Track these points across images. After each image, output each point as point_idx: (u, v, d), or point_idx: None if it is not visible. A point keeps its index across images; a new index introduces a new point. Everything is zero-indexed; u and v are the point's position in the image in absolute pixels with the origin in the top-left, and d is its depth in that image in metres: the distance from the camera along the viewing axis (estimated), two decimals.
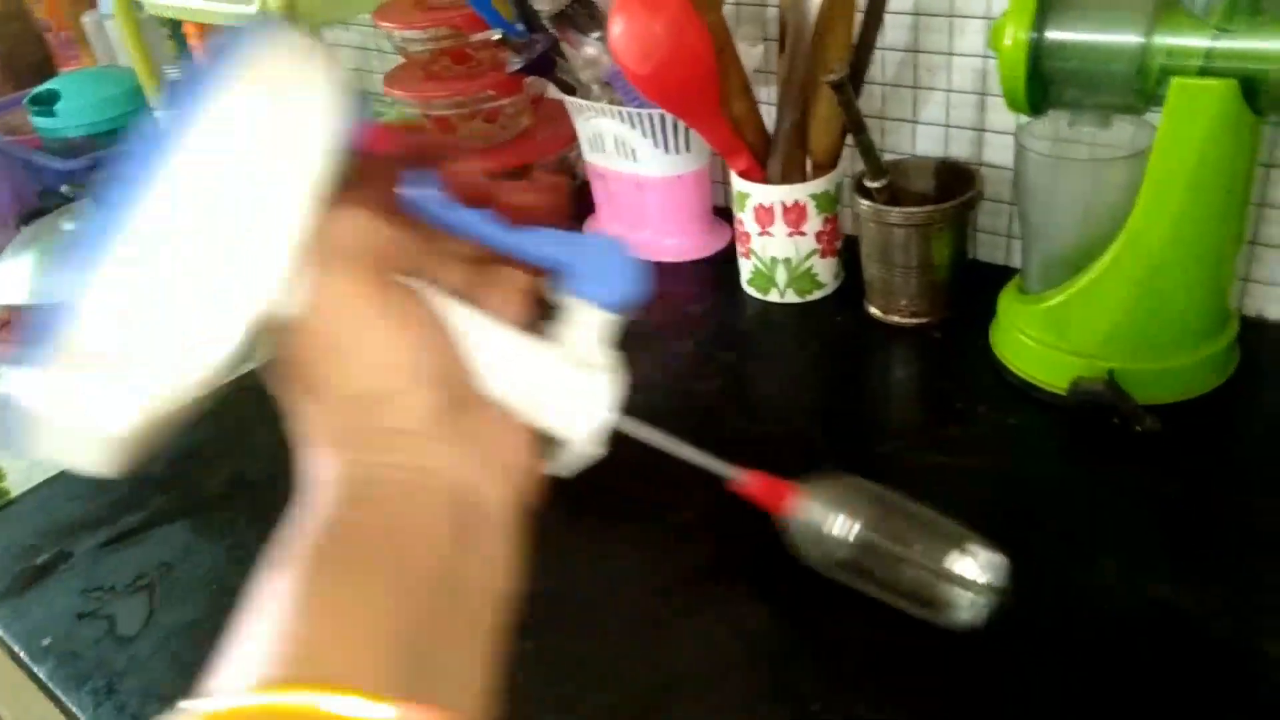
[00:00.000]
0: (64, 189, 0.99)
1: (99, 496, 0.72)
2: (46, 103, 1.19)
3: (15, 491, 0.74)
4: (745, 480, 0.41)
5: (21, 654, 0.60)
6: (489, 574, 0.32)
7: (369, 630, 0.27)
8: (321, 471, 0.31)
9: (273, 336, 0.32)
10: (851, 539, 0.42)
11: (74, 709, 0.56)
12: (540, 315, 0.37)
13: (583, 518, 0.63)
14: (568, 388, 0.35)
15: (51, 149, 1.19)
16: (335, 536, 0.29)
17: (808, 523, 0.42)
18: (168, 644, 0.59)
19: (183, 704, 0.25)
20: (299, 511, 0.31)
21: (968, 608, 0.44)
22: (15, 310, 0.93)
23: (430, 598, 0.29)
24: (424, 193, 0.34)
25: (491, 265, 0.37)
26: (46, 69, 1.51)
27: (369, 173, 0.33)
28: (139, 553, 0.66)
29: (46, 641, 0.60)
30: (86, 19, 1.39)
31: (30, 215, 1.08)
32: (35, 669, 0.59)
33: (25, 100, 1.22)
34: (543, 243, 0.35)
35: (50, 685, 0.58)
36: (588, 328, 0.36)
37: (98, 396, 0.27)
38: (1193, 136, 0.56)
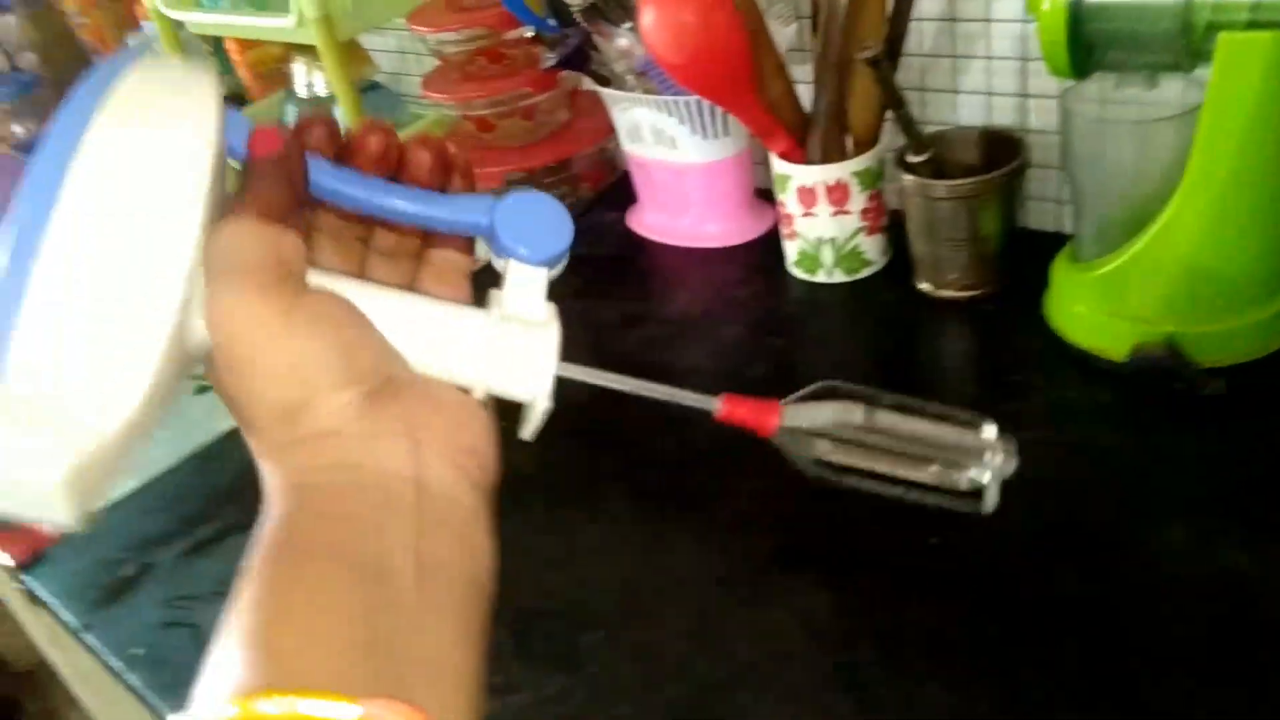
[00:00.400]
0: None
1: (174, 510, 0.74)
2: None
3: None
4: (723, 407, 0.39)
5: (115, 664, 0.63)
6: (455, 556, 0.31)
7: (328, 630, 0.27)
8: (269, 483, 0.32)
9: (198, 362, 0.32)
10: (849, 435, 0.40)
11: (168, 716, 0.59)
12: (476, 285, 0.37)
13: (640, 510, 0.64)
14: (510, 350, 0.35)
15: None
16: (285, 543, 0.30)
17: (797, 427, 0.40)
18: None
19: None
20: (260, 522, 0.31)
21: (987, 481, 0.42)
22: None
23: (387, 588, 0.29)
24: (331, 181, 0.34)
25: (421, 252, 0.38)
26: None
27: (255, 177, 0.32)
28: (217, 561, 0.69)
29: (138, 651, 0.63)
30: (132, 41, 1.42)
31: None
32: (129, 678, 0.62)
33: None
34: (462, 210, 0.35)
35: (144, 693, 0.60)
36: (522, 286, 0.36)
37: (29, 448, 0.28)
38: (1244, 91, 0.55)
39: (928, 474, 0.42)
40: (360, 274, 0.37)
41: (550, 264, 0.36)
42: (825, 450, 0.40)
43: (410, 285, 0.38)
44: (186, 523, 0.73)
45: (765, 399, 0.39)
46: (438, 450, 0.32)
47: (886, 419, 0.41)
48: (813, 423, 0.40)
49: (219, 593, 0.65)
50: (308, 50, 1.06)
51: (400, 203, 0.35)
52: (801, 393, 0.40)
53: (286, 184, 0.33)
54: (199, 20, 1.05)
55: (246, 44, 1.22)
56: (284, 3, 0.93)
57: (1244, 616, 0.49)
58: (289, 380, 0.31)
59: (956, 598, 0.54)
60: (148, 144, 0.30)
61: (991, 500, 0.42)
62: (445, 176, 0.37)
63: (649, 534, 0.63)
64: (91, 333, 0.28)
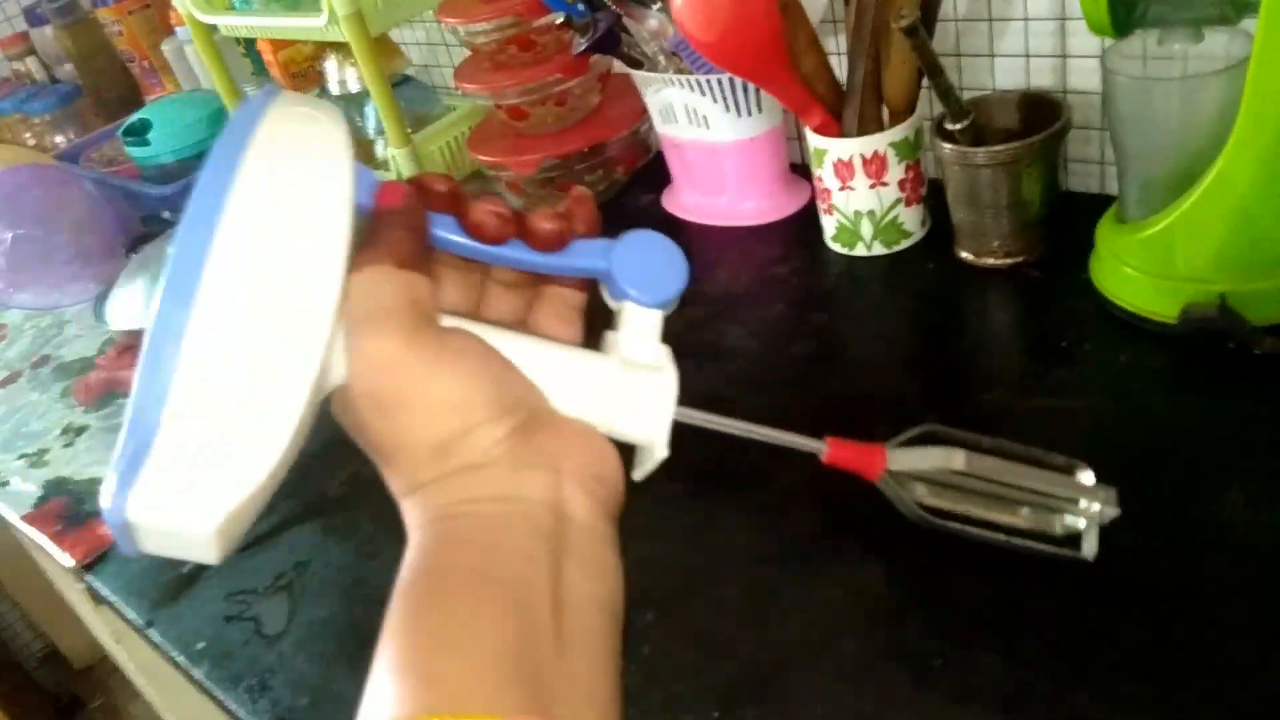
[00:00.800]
0: (165, 215, 1.03)
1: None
2: (139, 133, 1.24)
3: None
4: (830, 452, 0.41)
5: (180, 658, 0.64)
6: (592, 583, 0.32)
7: (481, 654, 0.28)
8: (412, 518, 0.33)
9: (338, 406, 0.33)
10: (948, 479, 0.41)
11: (232, 707, 0.60)
12: (593, 324, 0.38)
13: (688, 491, 0.64)
14: (630, 395, 0.36)
15: (149, 176, 1.25)
16: (433, 570, 0.31)
17: (901, 472, 0.41)
18: (311, 640, 0.62)
19: None
20: (405, 560, 0.32)
21: (1085, 527, 0.43)
22: (134, 334, 0.98)
23: (538, 616, 0.30)
24: (450, 236, 0.35)
25: (537, 285, 0.38)
26: (133, 99, 1.58)
27: (385, 227, 0.33)
28: (274, 556, 0.70)
29: (200, 645, 0.65)
30: (166, 47, 1.44)
31: (137, 242, 1.13)
32: (193, 672, 0.63)
33: (119, 132, 1.27)
34: (580, 256, 0.36)
35: (208, 686, 0.62)
36: (637, 327, 0.36)
37: (185, 502, 0.28)
38: None
39: (1024, 519, 0.43)
40: (480, 306, 0.38)
41: (665, 306, 0.37)
42: (923, 494, 0.41)
43: (526, 318, 0.38)
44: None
45: (869, 443, 0.40)
46: (576, 480, 0.33)
47: (986, 464, 0.42)
48: (916, 467, 0.41)
49: (277, 586, 0.67)
50: (340, 47, 1.07)
51: (518, 255, 0.35)
52: (904, 436, 0.41)
53: (414, 232, 0.34)
54: (232, 23, 1.06)
55: (279, 44, 1.24)
56: (315, 2, 0.93)
57: None
58: (446, 417, 0.32)
59: (1008, 568, 0.53)
60: (294, 190, 0.30)
61: (1090, 547, 0.43)
62: (566, 240, 0.37)
63: (698, 514, 0.63)
64: (245, 380, 0.29)
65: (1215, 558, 0.51)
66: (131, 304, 0.99)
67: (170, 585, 0.70)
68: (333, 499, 0.73)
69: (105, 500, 0.29)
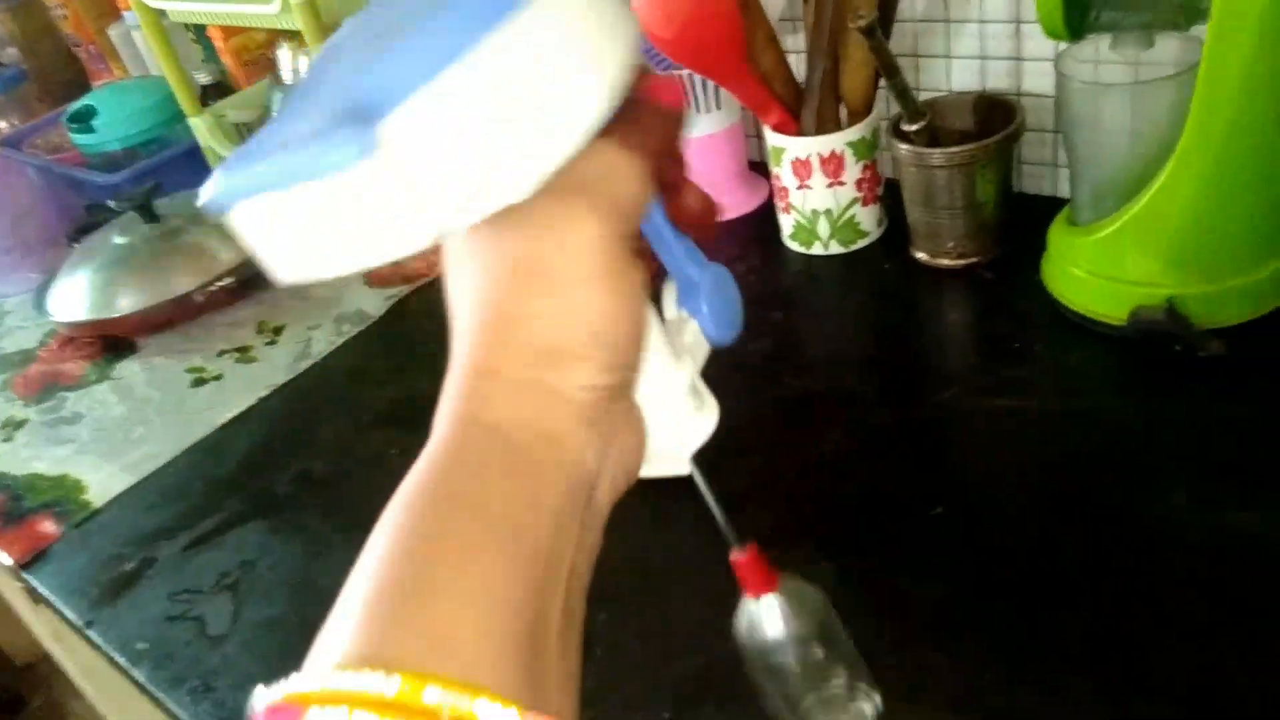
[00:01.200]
0: (110, 203, 1.01)
1: (176, 503, 0.74)
2: (85, 119, 1.21)
3: (97, 503, 0.76)
4: (742, 556, 0.42)
5: (120, 659, 0.63)
6: (584, 567, 0.30)
7: (491, 616, 0.24)
8: (454, 405, 0.28)
9: (471, 237, 0.29)
10: (778, 652, 0.44)
11: (174, 709, 0.58)
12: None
13: (644, 488, 0.64)
14: (681, 409, 0.35)
15: (94, 164, 1.22)
16: (460, 495, 0.26)
17: (759, 617, 0.43)
18: (256, 641, 0.61)
19: (293, 680, 0.23)
20: (426, 452, 0.28)
21: None
22: (76, 326, 0.96)
23: (542, 583, 0.26)
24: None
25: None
26: (80, 84, 1.54)
27: (649, 124, 0.30)
28: (219, 554, 0.68)
29: (142, 646, 0.63)
30: (113, 31, 1.41)
31: (80, 231, 1.10)
32: (134, 673, 0.62)
33: (63, 118, 1.24)
34: (684, 250, 0.34)
35: (150, 687, 0.60)
36: (698, 353, 0.36)
37: (397, 211, 0.26)
38: (1241, 46, 0.54)
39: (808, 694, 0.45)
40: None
41: (721, 343, 0.36)
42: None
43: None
44: (187, 516, 0.73)
45: (770, 571, 0.42)
46: (618, 466, 0.31)
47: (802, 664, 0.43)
48: (775, 628, 0.42)
49: (222, 585, 0.66)
50: (293, 36, 1.05)
51: (664, 229, 0.34)
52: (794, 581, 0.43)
53: (668, 143, 0.31)
54: (180, 8, 1.04)
55: (230, 30, 1.21)
56: None
57: (1250, 576, 0.49)
58: (574, 327, 0.28)
59: (960, 568, 0.54)
60: (586, 15, 0.28)
61: None
62: (710, 223, 0.35)
63: (654, 512, 0.62)
64: (475, 143, 0.26)
65: (1160, 556, 0.51)
66: (74, 295, 0.96)
67: (111, 584, 0.68)
68: (281, 497, 0.72)
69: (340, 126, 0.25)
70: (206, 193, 0.28)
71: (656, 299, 0.36)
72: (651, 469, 0.36)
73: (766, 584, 0.42)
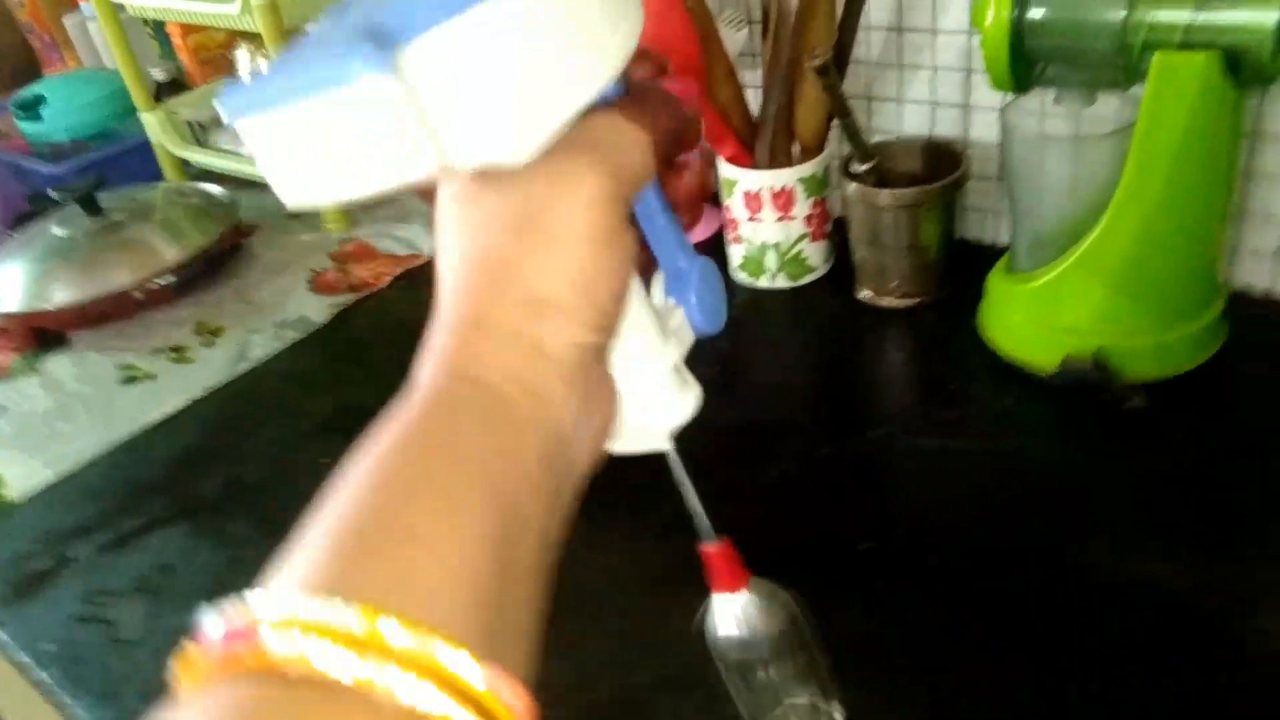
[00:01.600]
0: (52, 194, 0.98)
1: (97, 501, 0.72)
2: (33, 107, 1.18)
3: (15, 498, 0.74)
4: (714, 548, 0.41)
5: (25, 660, 0.61)
6: (555, 530, 0.29)
7: (461, 563, 0.24)
8: (440, 358, 0.29)
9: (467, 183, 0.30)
10: (746, 652, 0.43)
11: (79, 713, 0.57)
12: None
13: (577, 508, 0.63)
14: (666, 388, 0.35)
15: (39, 153, 1.19)
16: (444, 445, 0.26)
17: (729, 614, 0.43)
18: (169, 648, 0.59)
19: (250, 599, 0.22)
20: (407, 392, 0.28)
21: None
22: (12, 318, 0.93)
23: (512, 537, 0.26)
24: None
25: None
26: (30, 71, 1.51)
27: (658, 105, 0.31)
28: (139, 557, 0.67)
29: (49, 647, 0.61)
30: (69, 21, 1.39)
31: (20, 220, 1.08)
32: (39, 674, 0.59)
33: (10, 105, 1.21)
34: (676, 238, 0.35)
35: (54, 690, 0.58)
36: (683, 339, 0.36)
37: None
38: (1176, 110, 0.56)
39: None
40: None
41: (705, 333, 0.37)
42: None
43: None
44: (108, 516, 0.71)
45: (741, 570, 0.41)
46: (592, 433, 0.31)
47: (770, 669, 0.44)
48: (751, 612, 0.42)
49: (139, 589, 0.64)
50: (252, 37, 1.04)
51: (658, 209, 0.34)
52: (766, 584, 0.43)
53: (676, 134, 0.32)
54: (139, 3, 1.03)
55: (189, 28, 1.20)
56: None
57: (1162, 629, 0.50)
58: (561, 281, 0.28)
59: (886, 603, 0.54)
60: None
61: None
62: (700, 202, 0.35)
63: (585, 532, 0.62)
64: (492, 81, 0.27)
65: (1078, 603, 0.52)
66: (7, 285, 0.94)
67: (23, 582, 0.66)
68: (207, 501, 0.70)
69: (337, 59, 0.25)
70: (220, 103, 0.28)
71: (647, 286, 0.37)
72: (633, 444, 0.36)
73: (738, 580, 0.41)
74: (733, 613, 0.43)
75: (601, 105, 0.30)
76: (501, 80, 0.27)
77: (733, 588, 0.42)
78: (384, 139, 0.26)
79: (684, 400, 0.36)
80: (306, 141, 0.27)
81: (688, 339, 0.36)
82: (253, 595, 0.22)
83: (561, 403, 0.29)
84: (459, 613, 0.23)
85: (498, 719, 0.23)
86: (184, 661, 0.23)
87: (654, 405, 0.36)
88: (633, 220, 0.33)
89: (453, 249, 0.30)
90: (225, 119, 0.28)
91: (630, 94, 0.31)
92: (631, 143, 0.30)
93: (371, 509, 0.24)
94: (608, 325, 0.30)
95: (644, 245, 0.35)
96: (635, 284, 0.33)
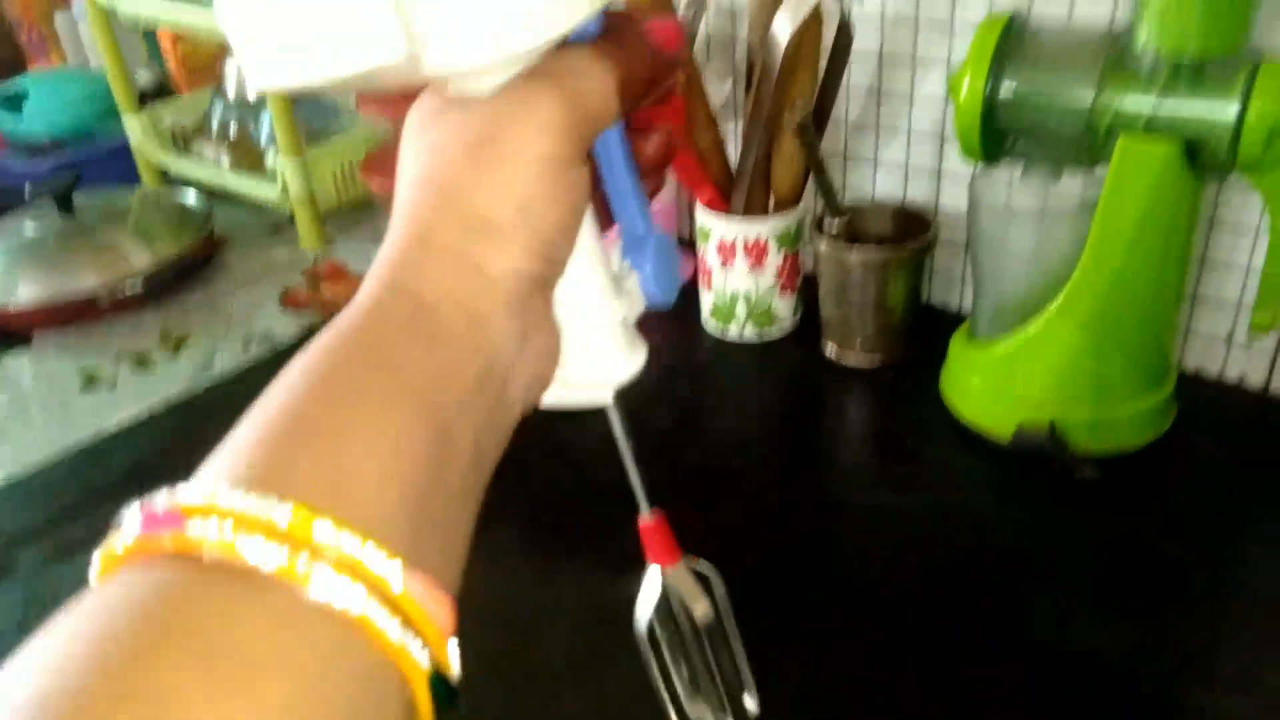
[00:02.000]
0: (27, 189, 0.98)
1: (46, 507, 0.71)
2: (14, 102, 1.18)
3: None
4: (652, 520, 0.41)
5: None
6: (483, 457, 0.29)
7: (390, 469, 0.24)
8: (382, 270, 0.29)
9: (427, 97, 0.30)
10: (671, 625, 0.44)
11: (177, 486, 0.55)
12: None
13: (530, 543, 0.64)
14: (614, 341, 0.36)
15: (17, 149, 1.18)
16: (366, 348, 0.27)
17: (657, 588, 0.44)
18: None
19: (178, 491, 0.22)
20: (347, 310, 0.28)
21: None
22: None
23: (444, 455, 0.26)
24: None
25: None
26: (15, 65, 1.50)
27: (633, 47, 0.31)
28: (85, 566, 0.66)
29: None
30: (60, 18, 1.38)
31: None
32: None
33: None
34: (636, 201, 0.35)
35: None
36: (635, 302, 0.36)
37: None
38: (1137, 193, 0.58)
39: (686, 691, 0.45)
40: None
41: (657, 304, 0.37)
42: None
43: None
44: (56, 523, 0.70)
45: (676, 547, 0.41)
46: (531, 368, 0.31)
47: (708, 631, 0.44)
48: (679, 588, 0.43)
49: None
50: None
51: (623, 166, 0.34)
52: (695, 563, 0.43)
53: (650, 79, 0.32)
54: (133, 10, 1.03)
55: (179, 36, 1.20)
56: None
57: (1096, 695, 0.51)
58: (507, 203, 0.29)
59: (829, 651, 0.55)
60: None
61: None
62: (665, 164, 0.36)
63: (534, 566, 0.62)
64: None
65: (1019, 668, 0.53)
66: None
67: None
68: None
69: None
70: None
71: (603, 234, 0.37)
72: (575, 396, 0.36)
73: (670, 554, 0.42)
74: (662, 585, 0.42)
75: (575, 41, 0.31)
76: None
77: (666, 561, 0.42)
78: (358, 17, 0.27)
79: (630, 358, 0.36)
80: (281, 13, 0.28)
81: (639, 304, 0.37)
82: (184, 486, 0.22)
83: (500, 330, 0.29)
84: (390, 519, 0.23)
85: (415, 625, 0.22)
86: (104, 552, 0.22)
87: (600, 357, 0.36)
88: (595, 170, 0.33)
89: (410, 169, 0.30)
90: None
91: (605, 32, 0.31)
92: (595, 77, 0.30)
93: (302, 410, 0.24)
94: (551, 256, 0.30)
95: (601, 196, 0.35)
96: (588, 226, 0.33)
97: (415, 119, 0.31)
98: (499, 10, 0.28)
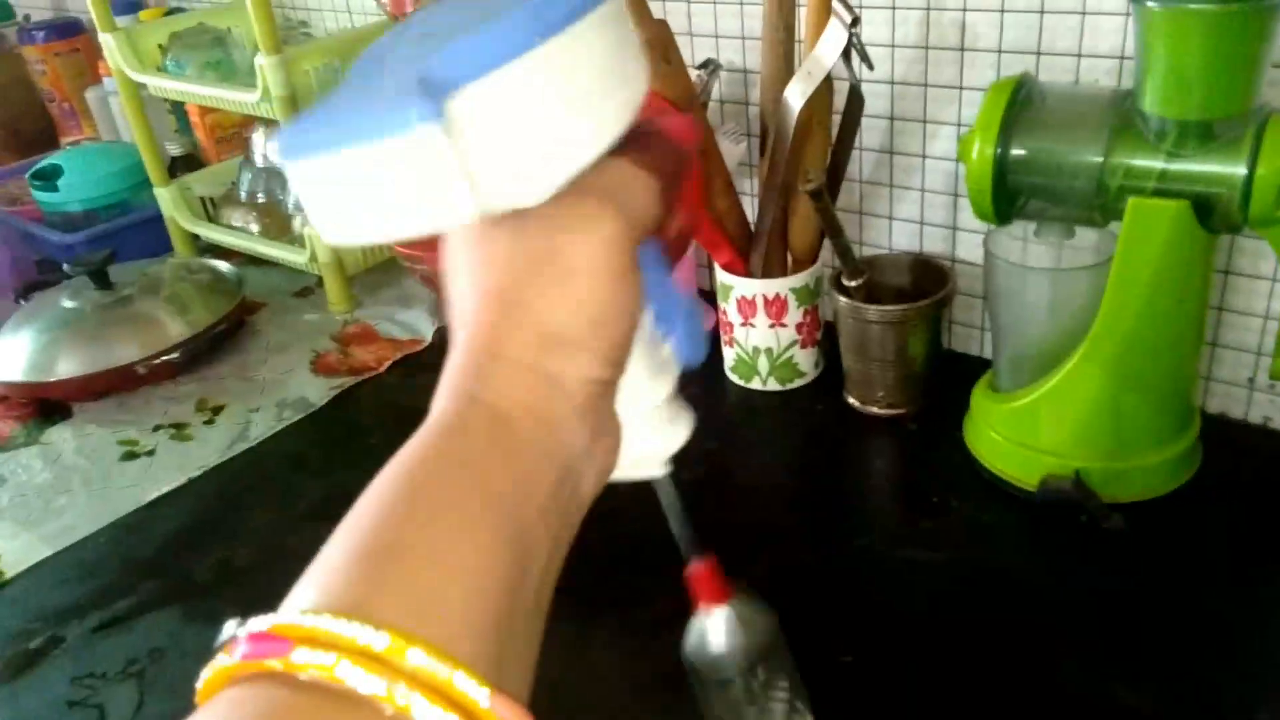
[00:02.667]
0: (65, 266, 1.01)
1: (90, 580, 0.73)
2: (49, 177, 1.21)
3: (9, 573, 0.75)
4: (699, 568, 0.43)
5: None
6: (558, 558, 0.30)
7: (475, 589, 0.25)
8: (453, 385, 0.30)
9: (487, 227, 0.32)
10: (724, 663, 0.45)
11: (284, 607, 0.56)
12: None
13: (563, 606, 0.64)
14: (662, 417, 0.37)
15: (52, 222, 1.22)
16: (459, 470, 0.27)
17: (709, 629, 0.45)
18: None
19: (281, 614, 0.24)
20: (426, 426, 0.29)
21: None
22: (14, 386, 0.95)
23: (523, 566, 0.27)
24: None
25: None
26: (48, 138, 1.54)
27: (662, 151, 0.33)
28: (129, 639, 0.67)
29: None
30: (90, 94, 1.43)
31: (30, 289, 1.10)
32: None
33: (28, 175, 1.24)
34: (668, 281, 0.36)
35: None
36: (672, 370, 0.37)
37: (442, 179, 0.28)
38: (1149, 252, 0.59)
39: None
40: None
41: (691, 365, 0.38)
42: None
43: None
44: (101, 595, 0.71)
45: (725, 585, 0.43)
46: (596, 468, 0.32)
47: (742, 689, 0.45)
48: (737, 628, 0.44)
49: (128, 673, 0.65)
50: (269, 122, 1.08)
51: (656, 262, 0.36)
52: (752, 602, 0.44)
53: (676, 175, 0.33)
54: (162, 85, 1.06)
55: (208, 108, 1.24)
56: (249, 76, 0.95)
57: None
58: (579, 317, 0.30)
59: (859, 706, 0.55)
60: (626, 41, 0.32)
61: None
62: (673, 249, 0.37)
63: (571, 632, 0.63)
64: (532, 127, 0.29)
65: (1049, 717, 0.53)
66: (14, 354, 0.96)
67: (14, 660, 0.67)
68: (198, 584, 0.71)
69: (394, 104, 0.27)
70: (276, 145, 0.30)
71: None
72: (632, 472, 0.37)
73: (720, 595, 0.43)
74: (714, 626, 0.44)
75: (609, 151, 0.32)
76: (537, 126, 0.29)
77: (716, 601, 0.43)
78: (424, 183, 0.28)
79: (679, 429, 0.38)
80: (352, 184, 0.29)
81: (676, 370, 0.38)
82: (283, 611, 0.24)
83: (573, 435, 0.30)
84: (476, 642, 0.24)
85: None
86: (212, 673, 0.24)
87: (653, 434, 0.37)
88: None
89: (466, 286, 0.31)
90: (279, 159, 0.30)
91: (635, 138, 0.32)
92: (642, 187, 0.32)
93: (396, 534, 0.25)
94: (619, 360, 0.32)
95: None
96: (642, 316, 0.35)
97: (461, 236, 0.32)
98: (550, 143, 0.29)
